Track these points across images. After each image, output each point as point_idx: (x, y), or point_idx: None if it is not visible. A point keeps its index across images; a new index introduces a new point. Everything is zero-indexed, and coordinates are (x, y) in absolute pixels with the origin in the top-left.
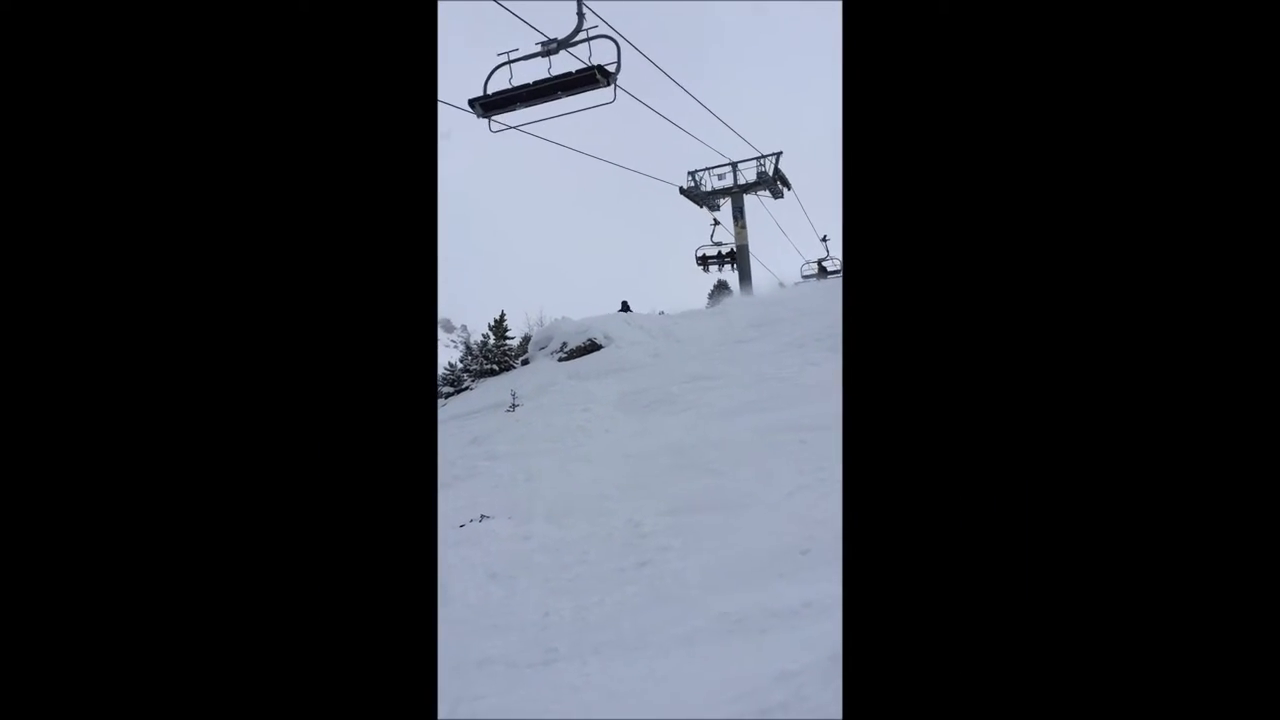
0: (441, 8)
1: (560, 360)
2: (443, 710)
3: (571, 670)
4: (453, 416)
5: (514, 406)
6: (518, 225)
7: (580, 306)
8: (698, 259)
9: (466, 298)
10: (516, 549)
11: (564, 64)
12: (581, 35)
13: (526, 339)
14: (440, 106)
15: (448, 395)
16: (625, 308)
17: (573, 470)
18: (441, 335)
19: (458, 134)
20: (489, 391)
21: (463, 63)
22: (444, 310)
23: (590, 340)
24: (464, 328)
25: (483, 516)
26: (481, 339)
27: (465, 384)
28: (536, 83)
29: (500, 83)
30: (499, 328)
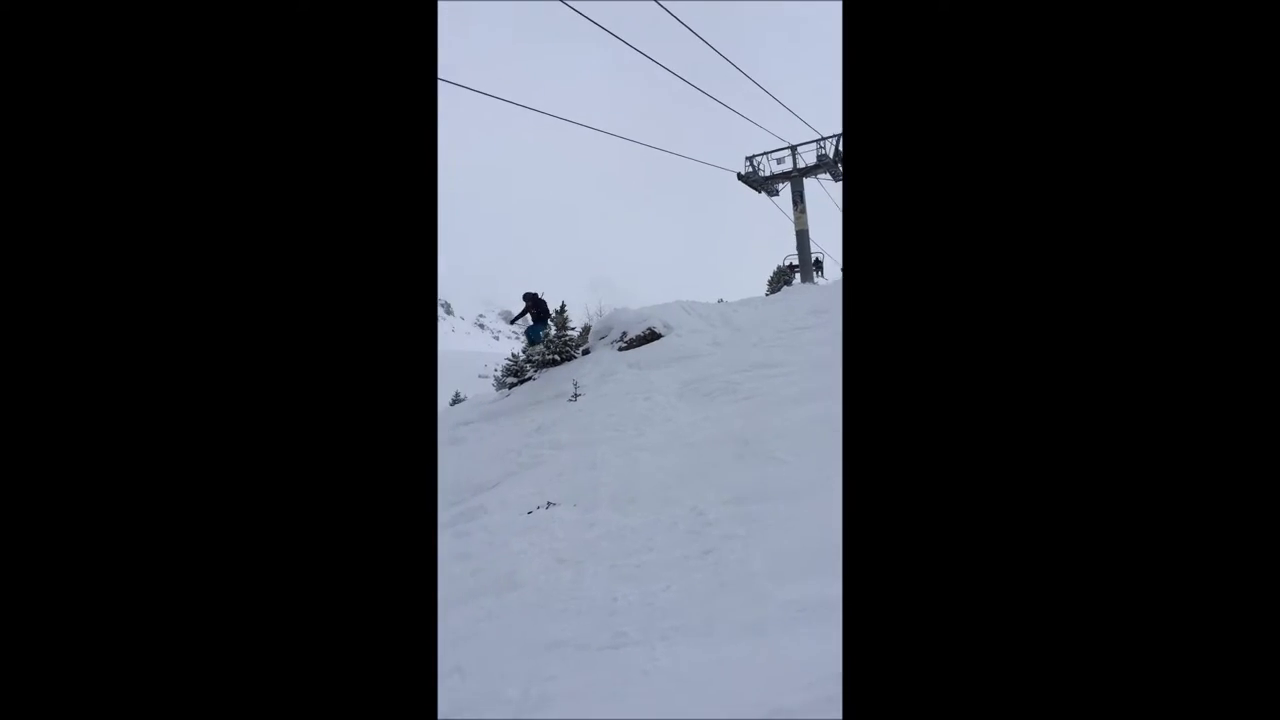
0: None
1: (620, 350)
2: (515, 690)
3: (640, 654)
4: (517, 407)
5: (576, 396)
6: (578, 217)
7: (640, 296)
8: (787, 268)
9: (527, 289)
10: (582, 536)
11: None
12: None
13: (587, 329)
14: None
15: (512, 385)
16: (534, 303)
17: (635, 459)
18: (504, 327)
19: (517, 129)
20: (551, 381)
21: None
22: (506, 303)
23: (650, 329)
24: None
25: (549, 504)
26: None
27: (528, 374)
28: None
29: None
30: (560, 318)
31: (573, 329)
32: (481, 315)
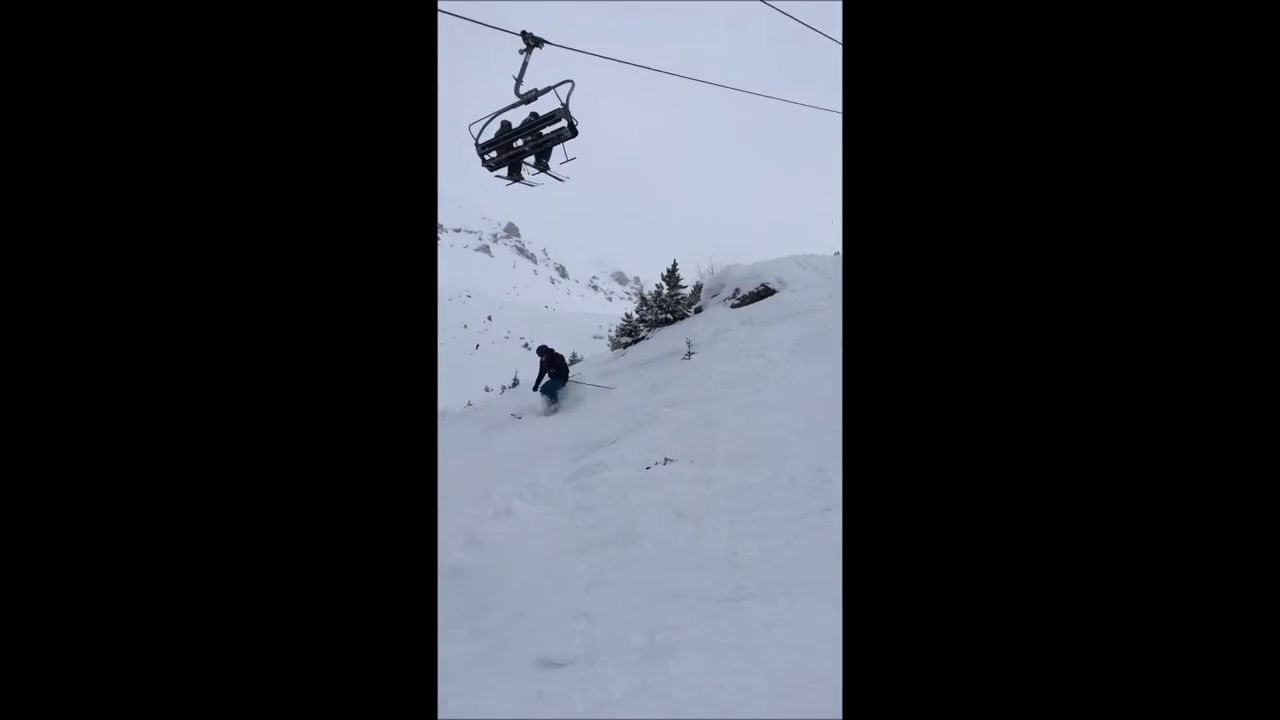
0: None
1: (733, 307)
2: (640, 636)
3: (761, 608)
4: (631, 365)
5: (689, 354)
6: (690, 173)
7: (752, 251)
8: None
9: (638, 250)
10: (701, 491)
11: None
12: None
13: (698, 287)
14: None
15: (626, 345)
16: (550, 358)
17: (751, 416)
18: (616, 287)
19: (629, 92)
20: (665, 340)
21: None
22: (618, 264)
23: (763, 285)
24: (637, 279)
25: (666, 460)
26: (655, 289)
27: (641, 334)
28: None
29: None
30: (671, 277)
31: (684, 287)
32: (595, 277)
